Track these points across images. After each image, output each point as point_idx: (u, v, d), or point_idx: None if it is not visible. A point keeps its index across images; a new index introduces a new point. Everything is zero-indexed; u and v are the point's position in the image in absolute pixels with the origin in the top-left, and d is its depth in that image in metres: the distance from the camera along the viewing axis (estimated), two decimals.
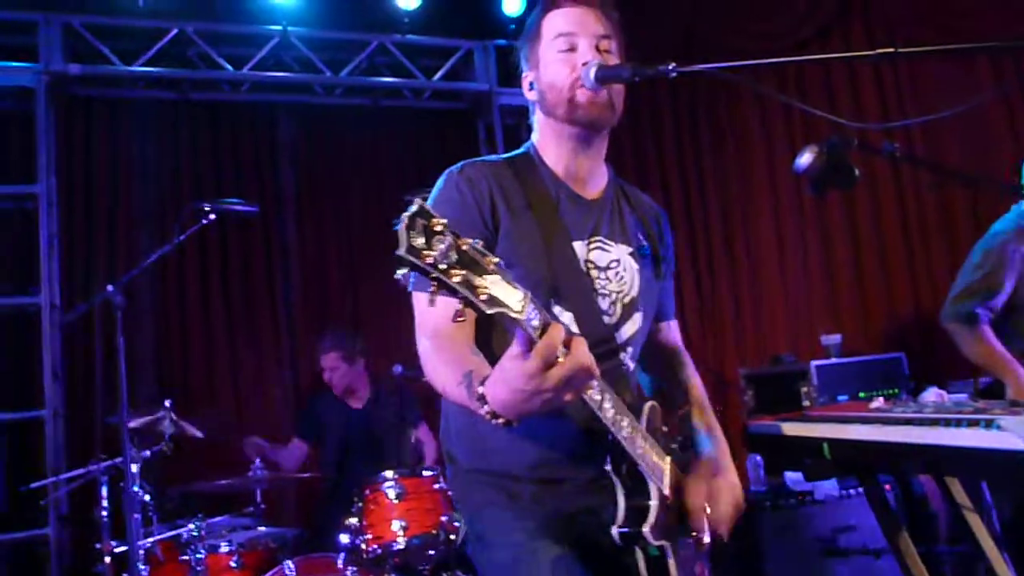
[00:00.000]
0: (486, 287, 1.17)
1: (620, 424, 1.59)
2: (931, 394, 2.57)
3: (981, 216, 3.54)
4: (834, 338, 4.88)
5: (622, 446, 1.61)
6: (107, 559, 3.38)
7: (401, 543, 3.35)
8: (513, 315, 1.21)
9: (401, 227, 1.10)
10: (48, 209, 4.57)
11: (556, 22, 1.83)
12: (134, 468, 3.37)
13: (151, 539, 3.47)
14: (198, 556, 3.41)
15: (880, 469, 2.78)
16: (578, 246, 1.80)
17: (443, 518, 3.41)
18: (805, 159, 1.77)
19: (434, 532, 3.40)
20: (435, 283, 1.13)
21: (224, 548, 3.51)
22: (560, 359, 1.27)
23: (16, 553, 4.36)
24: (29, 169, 4.60)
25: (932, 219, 5.26)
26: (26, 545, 4.30)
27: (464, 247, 1.16)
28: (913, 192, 5.33)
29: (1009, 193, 3.34)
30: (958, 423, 1.73)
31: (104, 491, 3.51)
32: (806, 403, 4.47)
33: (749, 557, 3.97)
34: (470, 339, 1.66)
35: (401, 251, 1.09)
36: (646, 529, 1.63)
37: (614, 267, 1.84)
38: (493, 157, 1.90)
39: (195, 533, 3.44)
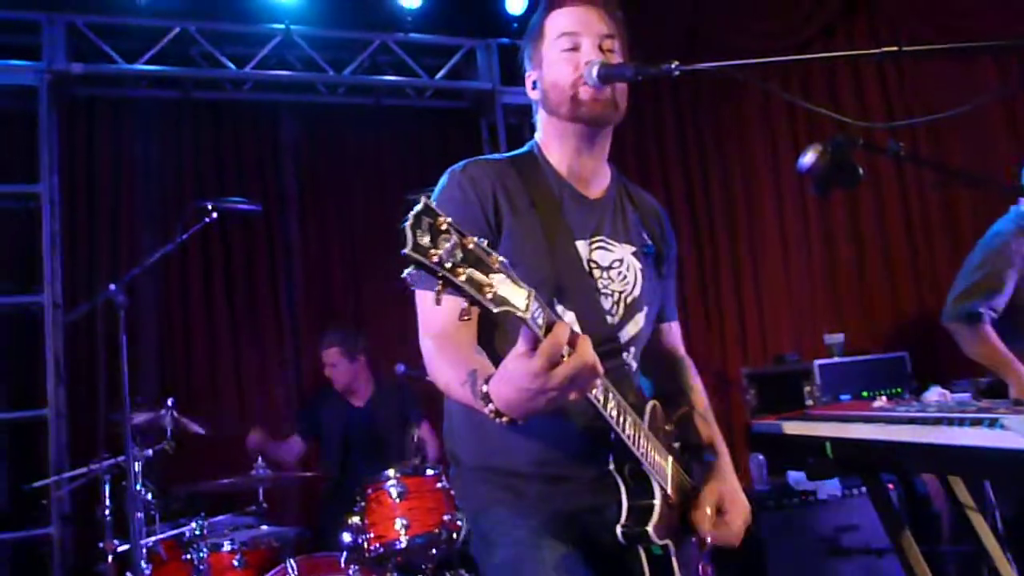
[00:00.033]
0: (492, 286, 1.17)
1: (623, 423, 1.59)
2: (934, 393, 2.57)
3: (984, 215, 3.53)
4: (837, 337, 4.87)
5: (625, 445, 1.60)
6: (110, 558, 3.39)
7: (403, 542, 3.35)
8: (519, 314, 1.21)
9: (407, 225, 1.10)
10: (50, 208, 4.56)
11: (559, 21, 1.82)
12: (136, 467, 3.38)
13: (153, 538, 3.47)
14: (200, 555, 3.41)
15: (883, 468, 2.78)
16: (581, 245, 1.80)
17: (445, 517, 3.42)
18: (809, 158, 1.77)
19: (436, 531, 3.40)
20: (441, 282, 1.13)
21: (227, 547, 3.51)
22: (565, 358, 1.27)
23: (18, 552, 4.36)
24: (32, 168, 4.60)
25: (936, 218, 5.25)
26: (29, 544, 4.30)
27: (470, 246, 1.15)
28: (917, 191, 5.33)
29: (1012, 193, 3.35)
30: (961, 422, 1.73)
31: (107, 490, 3.51)
32: (809, 402, 4.47)
33: (751, 556, 3.97)
34: (473, 339, 1.66)
35: (407, 249, 1.09)
36: (650, 528, 1.63)
37: (617, 266, 1.84)
38: (496, 156, 1.90)
39: (197, 532, 3.44)
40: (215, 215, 3.61)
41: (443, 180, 1.80)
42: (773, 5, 5.51)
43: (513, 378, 1.30)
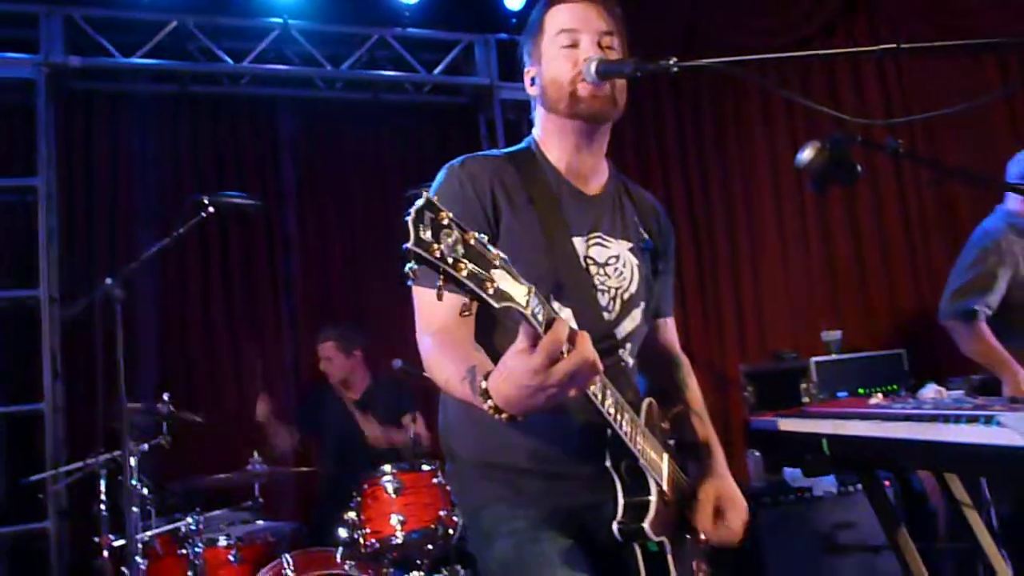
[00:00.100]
0: (493, 281, 1.17)
1: (620, 420, 1.59)
2: (930, 390, 2.57)
3: (982, 213, 3.55)
4: (834, 334, 4.88)
5: (622, 442, 1.61)
6: (105, 553, 3.39)
7: (399, 537, 3.35)
8: (520, 310, 1.21)
9: (409, 220, 1.09)
10: (47, 202, 4.56)
11: (559, 18, 1.82)
12: (132, 462, 3.38)
13: (149, 533, 3.47)
14: (196, 550, 3.41)
15: (879, 465, 2.79)
16: (578, 242, 1.80)
17: (441, 513, 3.42)
18: (807, 155, 1.77)
19: (432, 527, 3.40)
20: (442, 276, 1.13)
21: (222, 542, 3.51)
22: (565, 354, 1.27)
23: (15, 546, 4.36)
24: (29, 162, 4.59)
25: (933, 215, 5.26)
26: (25, 538, 4.29)
27: (471, 241, 1.15)
28: (914, 188, 5.33)
29: (1010, 191, 3.36)
30: (957, 419, 1.73)
31: (103, 485, 3.51)
32: (806, 399, 4.47)
33: (747, 553, 3.97)
34: (472, 335, 1.66)
35: (409, 244, 1.09)
36: (646, 525, 1.63)
37: (613, 263, 1.84)
38: (494, 152, 1.90)
39: (193, 527, 3.44)
40: (212, 209, 3.60)
41: (441, 175, 1.79)
42: (773, 2, 5.51)
43: (513, 375, 1.30)
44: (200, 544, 3.42)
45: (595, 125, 1.83)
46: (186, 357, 5.06)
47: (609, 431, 1.60)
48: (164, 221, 4.68)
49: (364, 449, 4.36)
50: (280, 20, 5.13)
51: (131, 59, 4.90)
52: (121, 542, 3.35)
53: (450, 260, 1.12)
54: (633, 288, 1.86)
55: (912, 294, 5.28)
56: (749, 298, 5.69)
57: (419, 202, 1.11)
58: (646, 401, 1.78)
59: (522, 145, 1.92)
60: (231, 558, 3.49)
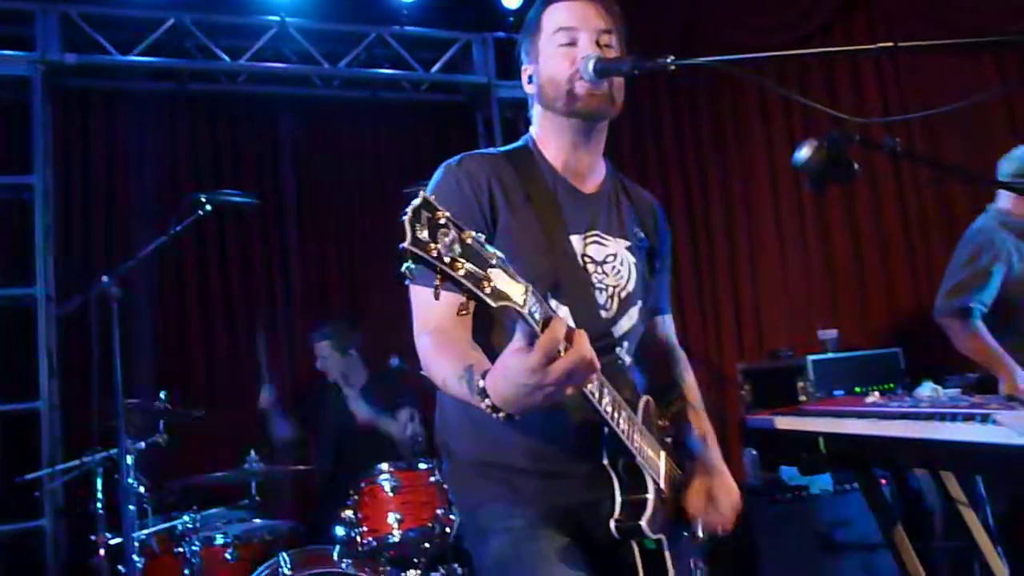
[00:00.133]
0: (490, 280, 1.17)
1: (617, 418, 1.59)
2: (926, 389, 2.58)
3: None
4: (831, 333, 4.88)
5: (619, 440, 1.61)
6: (102, 551, 3.38)
7: (396, 536, 3.35)
8: (517, 309, 1.21)
9: (406, 219, 1.09)
10: (44, 200, 4.55)
11: (557, 16, 1.82)
12: (129, 460, 3.37)
13: (146, 531, 3.47)
14: (193, 548, 3.40)
15: (875, 463, 2.79)
16: (575, 240, 1.80)
17: (438, 511, 3.42)
18: (804, 153, 1.77)
19: (429, 525, 3.40)
20: (440, 276, 1.13)
21: (219, 540, 3.51)
22: (562, 353, 1.27)
23: (11, 544, 4.35)
24: (25, 159, 4.58)
25: (932, 214, 5.25)
26: (21, 536, 4.29)
27: (468, 240, 1.15)
28: (913, 187, 5.33)
29: (1007, 190, 3.37)
30: (954, 418, 1.74)
31: (99, 483, 3.51)
32: (802, 398, 4.48)
33: (744, 551, 3.98)
34: (469, 334, 1.66)
35: (406, 243, 1.09)
36: (643, 522, 1.63)
37: (611, 261, 1.84)
38: (491, 150, 1.90)
39: (190, 525, 3.43)
40: (209, 207, 3.59)
41: (438, 173, 1.79)
42: (771, 1, 5.51)
43: (510, 373, 1.30)
44: (197, 542, 3.42)
45: (593, 123, 1.83)
46: (183, 355, 5.06)
47: (606, 429, 1.60)
48: (161, 219, 4.68)
49: (360, 447, 4.36)
50: (278, 18, 5.12)
51: (128, 57, 4.89)
52: (117, 540, 3.35)
53: (447, 259, 1.12)
54: (630, 287, 1.86)
55: (909, 293, 5.28)
56: (747, 296, 5.69)
57: (416, 201, 1.11)
58: (643, 399, 1.79)
59: (519, 143, 1.92)
60: (228, 556, 3.49)
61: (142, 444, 3.56)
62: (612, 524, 1.65)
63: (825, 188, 1.79)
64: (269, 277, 5.35)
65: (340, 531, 3.43)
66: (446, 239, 1.12)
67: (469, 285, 1.15)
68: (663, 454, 1.79)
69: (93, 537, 3.42)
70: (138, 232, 4.85)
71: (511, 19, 5.49)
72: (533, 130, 1.92)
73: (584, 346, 1.30)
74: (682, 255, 5.67)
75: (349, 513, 3.43)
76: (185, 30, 5.02)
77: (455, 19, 5.63)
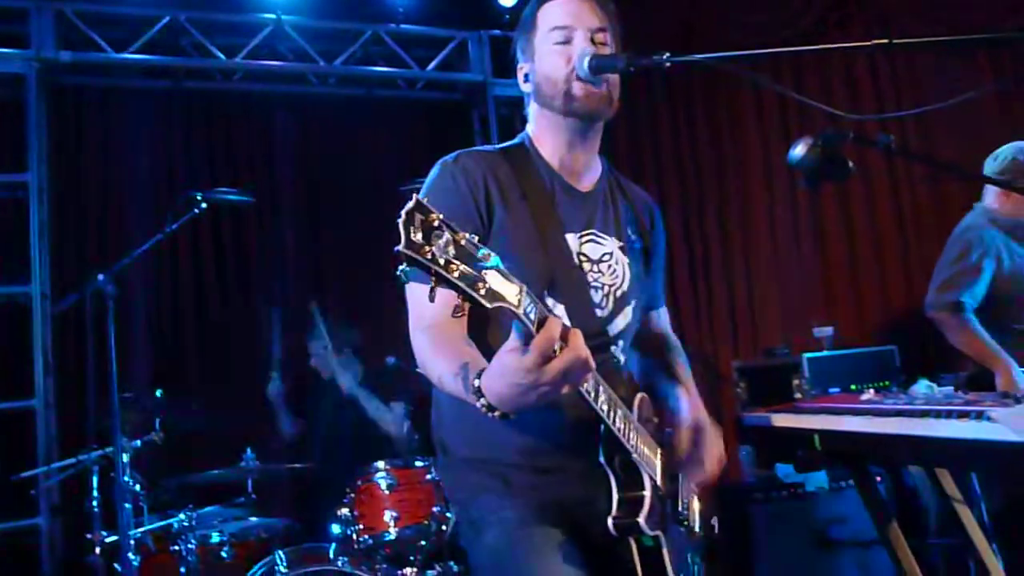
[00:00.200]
0: (485, 281, 1.17)
1: (613, 416, 1.59)
2: (922, 386, 2.59)
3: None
4: (826, 330, 4.89)
5: (615, 437, 1.61)
6: (98, 549, 3.38)
7: (392, 534, 3.35)
8: (512, 309, 1.21)
9: (400, 222, 1.10)
10: (38, 198, 4.53)
11: (552, 14, 1.82)
12: (125, 458, 3.37)
13: (142, 529, 3.47)
14: (189, 546, 3.40)
15: (871, 460, 2.80)
16: (571, 238, 1.81)
17: (435, 509, 3.42)
18: (799, 151, 1.77)
19: (425, 523, 3.40)
20: (435, 279, 1.13)
21: (215, 538, 3.51)
22: (557, 352, 1.27)
23: (7, 543, 4.34)
24: (19, 157, 4.56)
25: (927, 212, 5.27)
26: (17, 535, 4.28)
27: (462, 242, 1.16)
28: (907, 184, 5.34)
29: (1001, 187, 3.38)
30: (948, 415, 1.74)
31: (95, 481, 3.50)
32: (797, 396, 4.49)
33: (740, 548, 3.99)
34: (464, 331, 1.66)
35: (401, 247, 1.09)
36: (641, 519, 1.64)
37: (606, 260, 1.84)
38: (488, 147, 1.90)
39: (186, 523, 3.43)
40: (205, 205, 3.59)
41: (435, 171, 1.79)
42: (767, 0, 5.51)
43: (505, 373, 1.30)
44: (193, 540, 3.42)
45: (589, 123, 1.84)
46: (179, 353, 5.05)
47: (602, 427, 1.60)
48: (157, 217, 4.68)
49: (352, 445, 4.35)
50: (273, 16, 5.11)
51: (123, 54, 4.87)
52: (113, 538, 3.35)
53: (441, 261, 1.12)
54: (626, 285, 1.87)
55: (904, 290, 5.29)
56: (742, 294, 5.70)
57: (409, 204, 1.11)
58: (638, 396, 1.79)
59: (516, 141, 1.92)
60: (224, 554, 3.49)
61: (138, 442, 3.55)
62: (610, 521, 1.65)
63: (820, 186, 1.79)
64: (265, 275, 5.33)
65: (336, 529, 3.43)
66: (440, 241, 1.13)
67: (463, 287, 1.15)
68: (659, 451, 1.80)
69: (89, 535, 3.41)
70: (134, 230, 4.85)
71: (507, 17, 5.48)
72: (529, 128, 1.92)
73: (579, 345, 1.30)
74: (677, 252, 5.68)
75: (345, 511, 3.43)
76: (180, 28, 5.00)
77: (451, 17, 5.62)
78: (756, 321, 5.65)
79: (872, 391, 2.44)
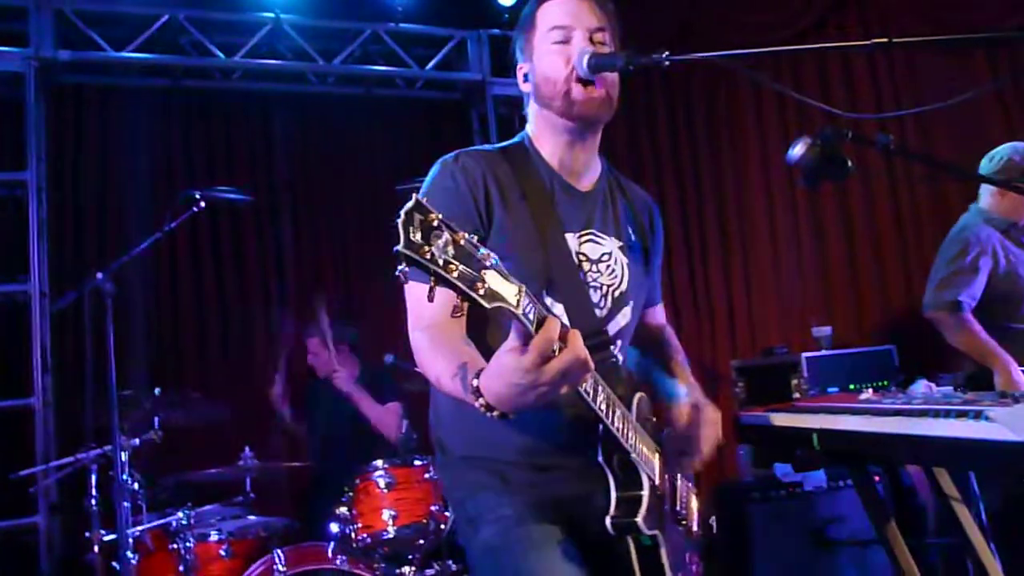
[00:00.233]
0: (484, 281, 1.17)
1: (612, 416, 1.59)
2: (920, 386, 2.59)
3: None
4: (824, 330, 4.90)
5: (614, 437, 1.61)
6: (96, 548, 3.38)
7: (391, 532, 3.35)
8: (511, 309, 1.21)
9: (399, 222, 1.09)
10: (37, 196, 4.53)
11: (550, 14, 1.82)
12: (123, 456, 3.36)
13: (140, 528, 3.46)
14: (187, 545, 3.40)
15: (869, 460, 2.80)
16: (570, 238, 1.81)
17: (433, 508, 3.42)
18: (798, 150, 1.77)
19: (424, 521, 3.40)
20: (434, 279, 1.13)
21: (214, 537, 3.51)
22: (556, 353, 1.27)
23: (5, 541, 4.34)
24: (18, 155, 4.57)
25: (925, 211, 5.27)
26: (15, 533, 4.28)
27: (461, 242, 1.15)
28: (906, 184, 5.34)
29: (1000, 187, 3.39)
30: (947, 414, 1.74)
31: (93, 479, 3.50)
32: (796, 395, 4.49)
33: (738, 547, 3.99)
34: (463, 331, 1.66)
35: (400, 247, 1.09)
36: (639, 519, 1.64)
37: (605, 260, 1.85)
38: (488, 147, 1.90)
39: (184, 522, 3.43)
40: (204, 204, 3.59)
41: (434, 170, 1.79)
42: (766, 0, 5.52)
43: (504, 373, 1.30)
44: (191, 539, 3.42)
45: (588, 127, 1.84)
46: (177, 351, 5.05)
47: (601, 427, 1.60)
48: (155, 215, 4.67)
49: (349, 443, 4.35)
50: (272, 15, 5.11)
51: (122, 53, 4.88)
52: (112, 537, 3.34)
53: (440, 262, 1.12)
54: (624, 285, 1.87)
55: (903, 290, 5.29)
56: (740, 293, 5.70)
57: (409, 204, 1.11)
58: (637, 395, 1.79)
59: (515, 140, 1.92)
60: (222, 553, 3.49)
61: (136, 440, 3.55)
62: (608, 521, 1.65)
63: (819, 185, 1.79)
64: (263, 274, 5.34)
65: (335, 528, 3.43)
66: (439, 241, 1.12)
67: (462, 287, 1.15)
68: (657, 450, 1.80)
69: (87, 534, 3.41)
70: (132, 228, 4.85)
71: (506, 16, 5.48)
72: (529, 127, 1.92)
73: (579, 346, 1.30)
74: (676, 252, 5.68)
75: (344, 509, 3.43)
76: (179, 27, 5.00)
77: (450, 16, 5.62)
78: (755, 320, 5.65)
79: (870, 391, 2.44)
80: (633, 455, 1.66)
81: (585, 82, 1.75)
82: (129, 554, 3.26)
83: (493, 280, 1.18)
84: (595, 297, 1.81)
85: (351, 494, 3.45)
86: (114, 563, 3.34)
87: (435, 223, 1.12)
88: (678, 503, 1.86)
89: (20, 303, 4.52)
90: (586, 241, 1.83)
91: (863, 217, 5.46)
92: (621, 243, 1.90)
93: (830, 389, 4.46)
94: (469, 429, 1.79)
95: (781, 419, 2.42)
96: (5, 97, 4.71)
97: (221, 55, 5.10)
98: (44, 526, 4.21)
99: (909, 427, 1.83)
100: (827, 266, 5.53)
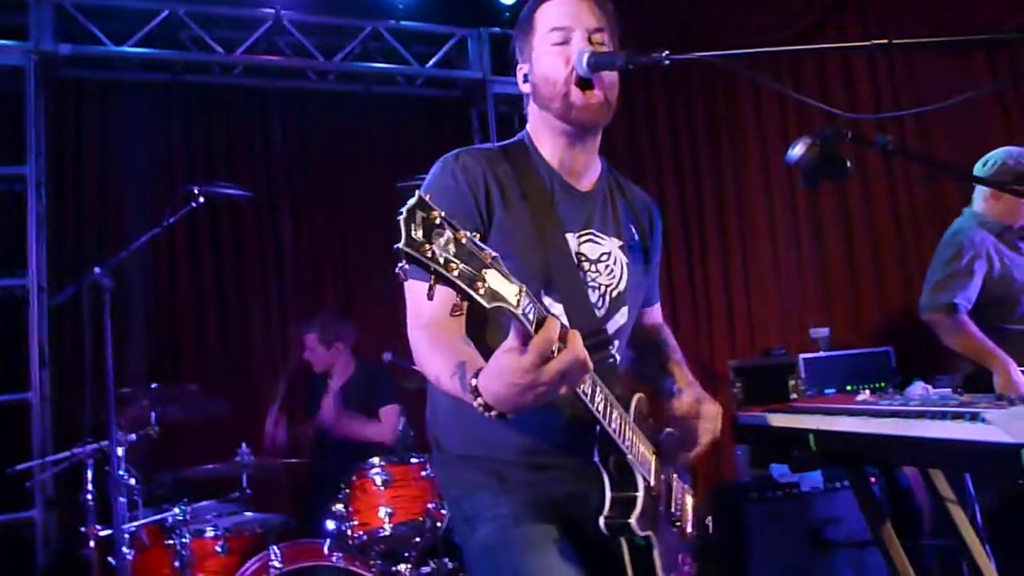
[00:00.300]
0: (484, 281, 1.16)
1: (610, 416, 1.59)
2: (917, 388, 2.59)
3: None
4: (822, 331, 4.90)
5: (611, 437, 1.61)
6: (92, 543, 3.37)
7: (387, 530, 3.35)
8: (511, 309, 1.21)
9: (401, 220, 1.09)
10: (36, 190, 4.53)
11: (549, 15, 1.82)
12: (120, 452, 3.36)
13: (136, 523, 3.46)
14: (183, 541, 3.40)
15: (865, 461, 2.80)
16: (570, 238, 1.81)
17: (429, 505, 3.42)
18: (797, 151, 1.77)
19: (420, 519, 3.40)
20: (434, 277, 1.13)
21: (210, 533, 3.50)
22: (555, 353, 1.27)
23: (1, 535, 4.34)
24: (18, 150, 4.56)
25: (924, 212, 5.27)
26: (11, 527, 4.28)
27: (462, 240, 1.15)
28: (905, 184, 5.35)
29: (998, 188, 3.39)
30: (943, 416, 1.75)
31: (90, 474, 3.50)
32: (793, 396, 4.49)
33: (734, 548, 3.99)
34: (462, 329, 1.65)
35: (401, 244, 1.08)
36: (632, 520, 1.64)
37: (604, 260, 1.85)
38: (488, 145, 1.90)
39: (180, 518, 3.43)
40: (203, 200, 3.59)
41: (435, 168, 1.79)
42: (766, 1, 5.51)
43: (503, 373, 1.30)
44: (187, 535, 3.41)
45: (587, 131, 1.84)
46: (175, 347, 5.05)
47: (598, 427, 1.60)
48: (154, 211, 4.68)
49: (344, 441, 4.36)
50: (273, 11, 5.11)
51: (122, 47, 4.88)
52: (108, 532, 3.34)
53: (441, 260, 1.12)
54: (622, 286, 1.87)
55: (901, 292, 5.29)
56: (739, 294, 5.70)
57: (411, 201, 1.10)
58: (635, 396, 1.79)
59: (515, 139, 1.92)
60: (218, 549, 3.49)
61: (133, 436, 3.55)
62: (602, 521, 1.65)
63: (818, 185, 1.79)
64: (262, 270, 5.34)
65: (331, 525, 3.43)
66: (441, 239, 1.12)
67: (463, 286, 1.14)
68: (654, 451, 1.80)
69: (83, 529, 3.42)
70: (131, 223, 4.84)
71: (507, 15, 5.48)
72: (529, 127, 1.92)
73: (578, 346, 1.30)
74: (675, 252, 5.68)
75: (340, 507, 3.42)
76: (179, 22, 5.00)
77: (450, 14, 5.62)
78: (753, 321, 5.65)
79: (867, 392, 2.45)
80: (629, 456, 1.66)
81: (584, 84, 1.75)
82: (125, 549, 3.26)
83: (493, 279, 1.18)
84: (593, 297, 1.81)
85: (347, 491, 3.45)
86: (110, 558, 3.34)
87: (437, 221, 1.12)
88: (673, 504, 1.86)
89: (18, 297, 4.52)
90: (585, 241, 1.83)
91: (862, 218, 5.46)
92: (621, 243, 1.89)
93: (827, 390, 4.46)
94: (467, 428, 1.79)
95: (778, 420, 2.42)
96: (5, 91, 4.71)
97: (221, 51, 5.10)
98: (40, 521, 4.21)
99: (905, 429, 1.83)
100: (826, 267, 5.53)
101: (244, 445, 3.85)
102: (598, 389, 1.54)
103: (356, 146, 5.67)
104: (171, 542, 3.43)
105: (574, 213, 1.83)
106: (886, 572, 2.61)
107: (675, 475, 1.89)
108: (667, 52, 1.63)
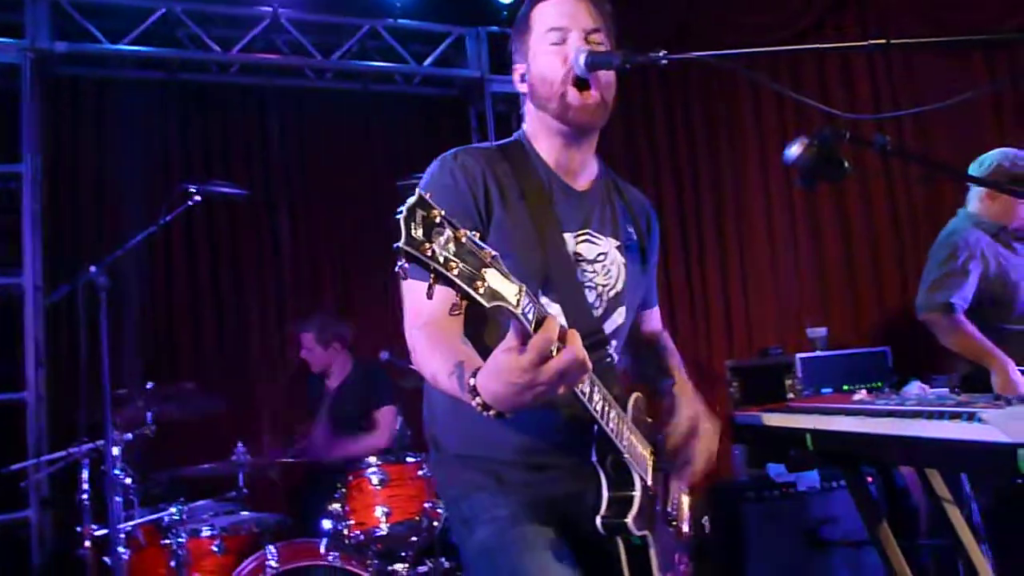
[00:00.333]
0: (484, 280, 1.16)
1: (608, 416, 1.59)
2: (914, 387, 2.59)
3: None
4: (819, 331, 4.90)
5: (608, 437, 1.61)
6: (88, 542, 3.37)
7: (384, 529, 3.35)
8: (511, 308, 1.20)
9: (401, 218, 1.08)
10: (32, 188, 4.52)
11: (546, 15, 1.81)
12: (116, 451, 3.36)
13: (132, 523, 3.46)
14: (179, 540, 3.39)
15: (862, 460, 2.80)
16: (567, 238, 1.80)
17: (426, 505, 3.41)
18: (795, 151, 1.76)
19: (417, 518, 3.40)
20: (433, 276, 1.12)
21: (206, 532, 3.50)
22: (554, 353, 1.27)
23: None
24: (13, 147, 4.55)
25: (922, 212, 5.27)
26: (7, 527, 4.27)
27: (462, 239, 1.14)
28: (903, 185, 5.35)
29: (996, 189, 3.40)
30: (940, 415, 1.74)
31: (85, 474, 3.49)
32: (790, 395, 4.50)
33: (731, 547, 3.99)
34: (460, 329, 1.65)
35: (401, 243, 1.08)
36: (629, 520, 1.64)
37: (601, 260, 1.84)
38: (486, 144, 1.90)
39: (176, 517, 3.42)
40: (199, 198, 3.58)
41: (434, 166, 1.79)
42: (764, 1, 5.51)
43: (502, 372, 1.29)
44: (183, 534, 3.41)
45: (584, 132, 1.84)
46: (171, 346, 5.04)
47: (596, 427, 1.60)
48: (150, 209, 4.66)
49: (337, 436, 4.35)
50: (270, 9, 5.10)
51: (118, 45, 4.86)
52: (104, 532, 3.34)
53: (441, 259, 1.11)
54: (619, 286, 1.87)
55: (898, 292, 5.29)
56: (736, 294, 5.71)
57: (411, 200, 1.10)
58: (633, 396, 1.79)
59: (513, 138, 1.91)
60: (215, 548, 3.48)
61: (129, 435, 3.54)
62: (598, 521, 1.65)
63: (816, 185, 1.79)
64: (259, 268, 5.34)
65: (327, 524, 3.43)
66: (440, 238, 1.11)
67: (463, 285, 1.14)
68: (652, 451, 1.80)
69: (79, 528, 3.41)
70: (127, 222, 4.82)
71: (505, 13, 5.49)
72: (525, 127, 1.92)
73: (577, 346, 1.29)
74: (673, 252, 5.68)
75: (336, 506, 3.42)
76: (176, 19, 4.99)
77: (448, 13, 5.62)
78: (750, 321, 5.66)
79: (864, 391, 2.45)
80: (626, 455, 1.66)
81: (581, 84, 1.74)
82: (121, 549, 3.26)
83: (493, 279, 1.17)
84: (590, 297, 1.81)
85: (344, 490, 3.44)
86: (105, 558, 3.34)
87: (437, 220, 1.11)
88: (669, 504, 1.86)
89: (14, 296, 4.50)
90: (583, 241, 1.83)
91: (860, 218, 5.46)
92: (619, 243, 1.89)
93: (824, 390, 4.47)
94: (464, 427, 1.79)
95: (775, 419, 2.42)
96: (1, 89, 4.69)
97: (218, 49, 5.09)
98: (35, 520, 4.21)
99: (902, 428, 1.83)
100: (823, 267, 5.53)
101: (240, 444, 3.85)
102: (596, 389, 1.54)
103: (354, 145, 5.66)
104: (167, 541, 3.43)
105: (572, 213, 1.83)
106: (883, 571, 2.61)
107: (670, 475, 1.89)
108: (664, 52, 1.62)
